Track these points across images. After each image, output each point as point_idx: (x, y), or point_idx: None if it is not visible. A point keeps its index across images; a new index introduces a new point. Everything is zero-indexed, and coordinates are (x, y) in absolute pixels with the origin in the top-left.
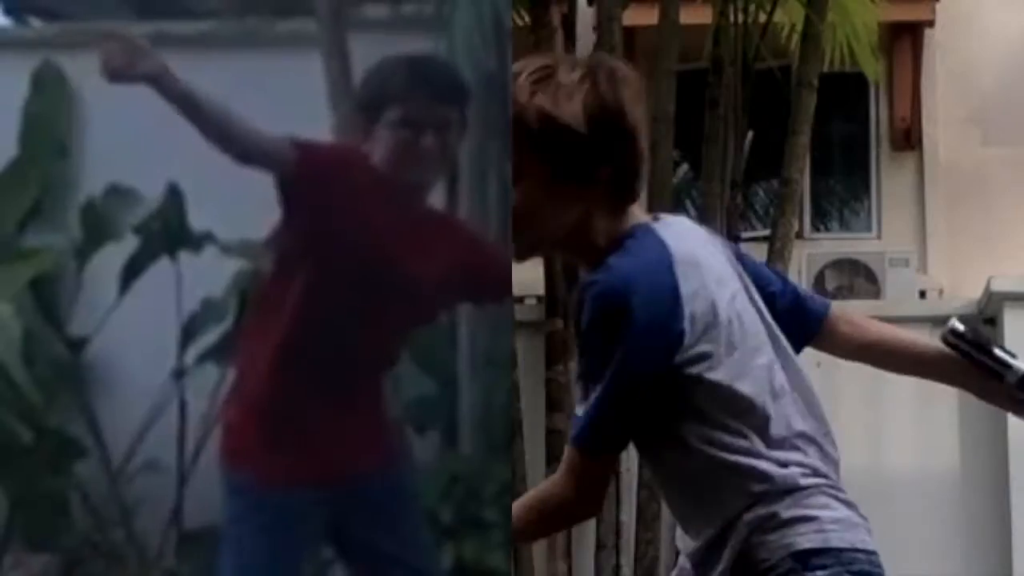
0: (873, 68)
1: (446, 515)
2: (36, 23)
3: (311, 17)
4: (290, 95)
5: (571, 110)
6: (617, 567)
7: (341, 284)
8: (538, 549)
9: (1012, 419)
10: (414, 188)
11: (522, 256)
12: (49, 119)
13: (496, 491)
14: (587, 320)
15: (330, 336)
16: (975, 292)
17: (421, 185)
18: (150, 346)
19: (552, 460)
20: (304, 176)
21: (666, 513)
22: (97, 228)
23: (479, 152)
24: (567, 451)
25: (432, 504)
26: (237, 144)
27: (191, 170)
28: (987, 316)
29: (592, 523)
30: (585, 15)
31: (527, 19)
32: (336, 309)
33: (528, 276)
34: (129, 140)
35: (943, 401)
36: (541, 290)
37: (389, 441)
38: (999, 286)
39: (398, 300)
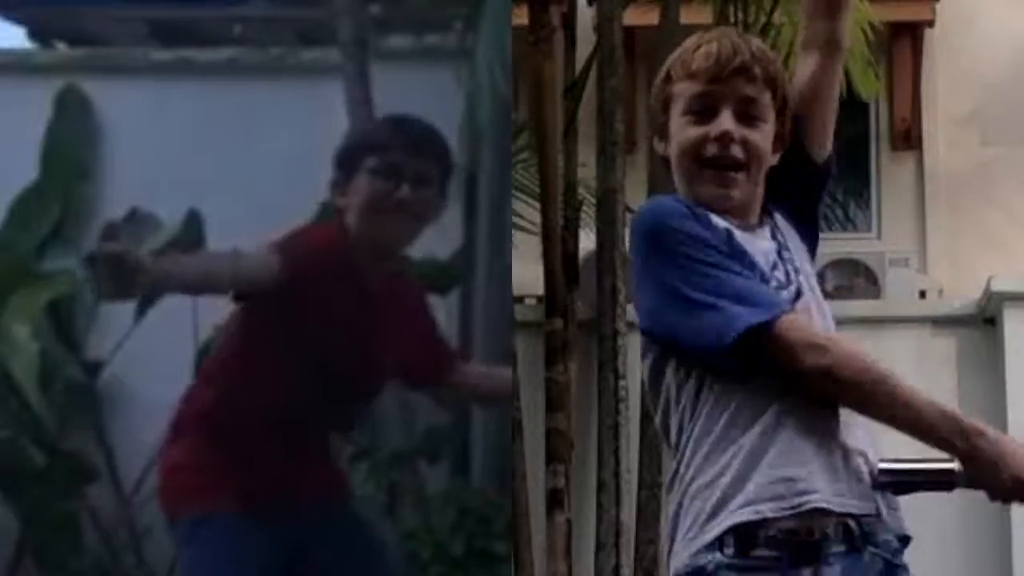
0: (873, 86)
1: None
2: (61, 47)
3: (334, 46)
4: (312, 123)
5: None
6: (617, 567)
7: (299, 357)
8: (538, 549)
9: (1012, 418)
10: (389, 248)
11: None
12: (71, 142)
13: (505, 524)
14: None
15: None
16: (975, 292)
17: (397, 238)
18: (166, 371)
19: (552, 459)
20: (289, 277)
21: (666, 513)
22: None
23: (496, 180)
24: None
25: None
26: (224, 286)
27: (210, 195)
28: (987, 316)
29: (592, 523)
30: (585, 15)
31: (527, 19)
32: (285, 376)
33: (528, 276)
34: (150, 164)
35: (943, 401)
36: (541, 290)
37: (333, 470)
38: (999, 286)
39: (349, 379)
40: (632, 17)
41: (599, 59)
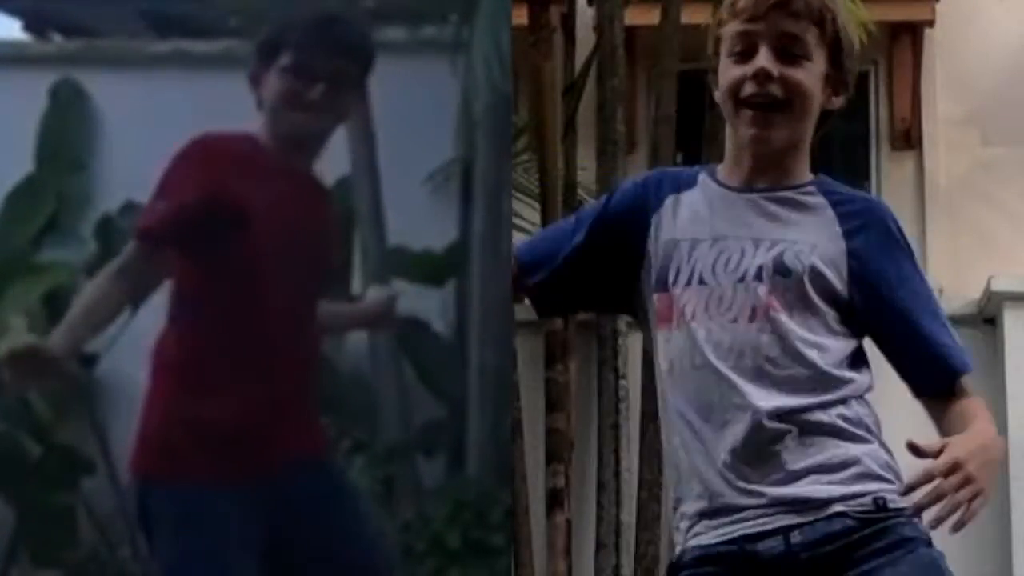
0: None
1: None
2: (56, 39)
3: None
4: None
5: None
6: (617, 567)
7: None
8: (538, 549)
9: (1012, 418)
10: (297, 145)
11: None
12: (67, 134)
13: (501, 516)
14: (898, 229)
15: (242, 318)
16: (975, 292)
17: (304, 137)
18: None
19: (551, 459)
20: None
21: (666, 513)
22: (112, 244)
23: (492, 171)
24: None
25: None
26: (113, 305)
27: None
28: (987, 316)
29: (592, 523)
30: (585, 15)
31: (526, 19)
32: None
33: None
34: (145, 156)
35: None
36: None
37: (316, 430)
38: (999, 286)
39: (300, 273)
40: (632, 17)
41: (599, 59)
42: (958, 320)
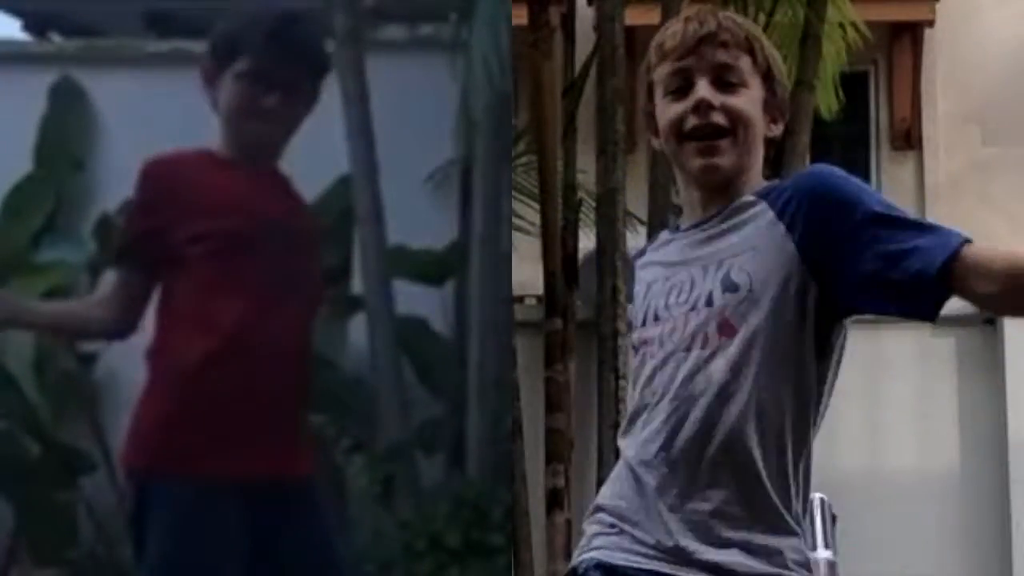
0: (829, 103)
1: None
2: (55, 38)
3: (328, 37)
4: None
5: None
6: None
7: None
8: (538, 549)
9: (1012, 419)
10: (253, 151)
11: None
12: (66, 133)
13: (501, 515)
14: (853, 181)
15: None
16: None
17: (260, 143)
18: None
19: (551, 459)
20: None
21: None
22: (111, 243)
23: (491, 171)
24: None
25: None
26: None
27: None
28: (987, 316)
29: None
30: (585, 15)
31: (526, 19)
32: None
33: (528, 276)
34: (144, 155)
35: (943, 401)
36: (541, 290)
37: (306, 447)
38: None
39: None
40: (632, 17)
41: (599, 59)
42: (958, 320)
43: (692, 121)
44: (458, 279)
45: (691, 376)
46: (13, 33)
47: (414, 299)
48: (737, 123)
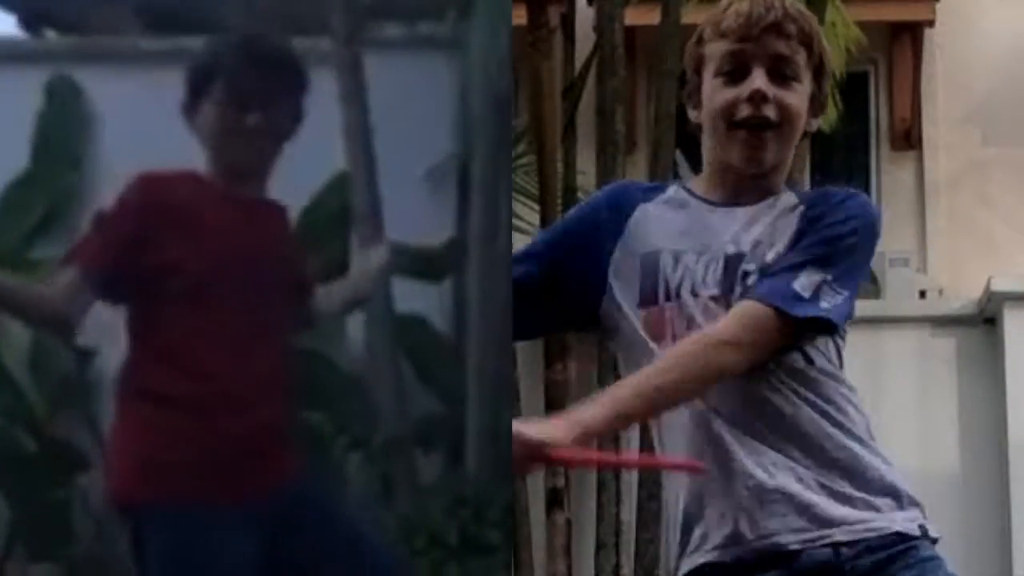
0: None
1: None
2: (51, 35)
3: (326, 35)
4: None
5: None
6: (617, 567)
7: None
8: (538, 549)
9: (1012, 419)
10: (241, 174)
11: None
12: (61, 131)
13: (500, 513)
14: (859, 217)
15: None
16: (975, 292)
17: (247, 165)
18: None
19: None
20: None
21: (666, 513)
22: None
23: (491, 167)
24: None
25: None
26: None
27: None
28: (987, 316)
29: (592, 523)
30: (585, 15)
31: (526, 19)
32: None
33: None
34: (140, 153)
35: (943, 401)
36: None
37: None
38: (999, 286)
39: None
40: (632, 17)
41: (599, 59)
42: (958, 320)
43: (745, 111)
44: (456, 277)
45: None
46: (9, 30)
47: (412, 297)
48: (785, 119)
